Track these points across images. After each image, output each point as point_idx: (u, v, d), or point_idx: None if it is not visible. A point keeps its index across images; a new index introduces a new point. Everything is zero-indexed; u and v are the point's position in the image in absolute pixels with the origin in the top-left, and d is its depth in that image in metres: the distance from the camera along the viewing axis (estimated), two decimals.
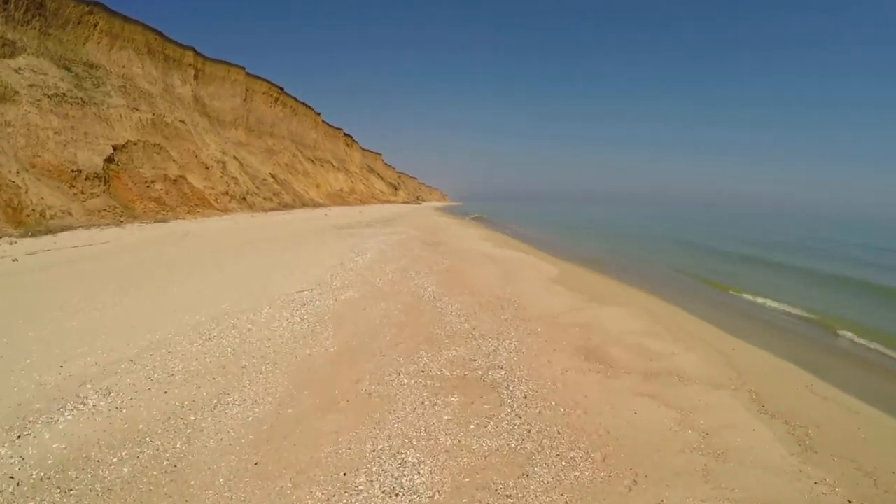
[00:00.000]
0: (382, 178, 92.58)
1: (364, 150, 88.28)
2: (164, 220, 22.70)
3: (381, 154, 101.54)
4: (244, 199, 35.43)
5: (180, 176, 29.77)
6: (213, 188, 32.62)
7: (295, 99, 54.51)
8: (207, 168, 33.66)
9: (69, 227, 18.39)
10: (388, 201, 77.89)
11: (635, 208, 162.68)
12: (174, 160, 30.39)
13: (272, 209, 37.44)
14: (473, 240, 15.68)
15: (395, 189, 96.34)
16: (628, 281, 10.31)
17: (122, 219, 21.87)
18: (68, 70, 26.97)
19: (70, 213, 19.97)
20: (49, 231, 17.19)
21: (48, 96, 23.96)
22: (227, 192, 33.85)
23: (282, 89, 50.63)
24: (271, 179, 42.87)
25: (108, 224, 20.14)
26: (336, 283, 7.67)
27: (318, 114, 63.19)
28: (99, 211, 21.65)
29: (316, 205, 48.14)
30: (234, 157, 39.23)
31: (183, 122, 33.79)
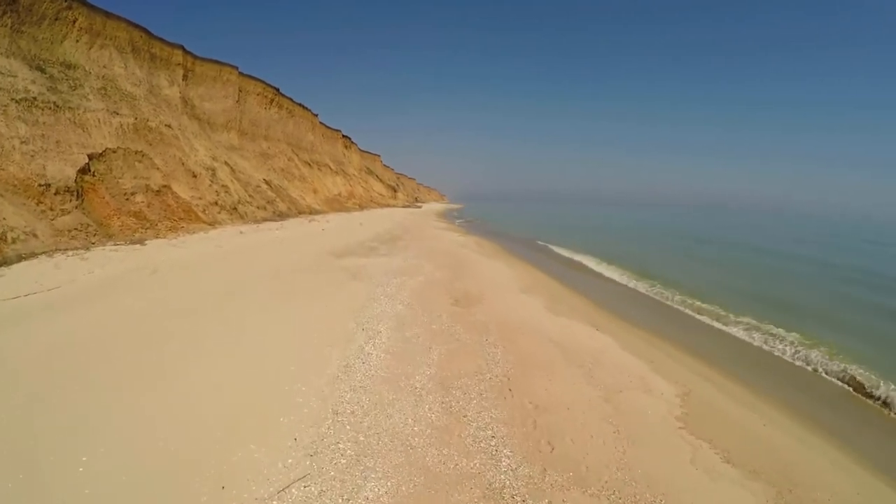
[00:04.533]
0: (381, 180, 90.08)
1: (362, 151, 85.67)
2: (140, 241, 20.38)
3: (379, 155, 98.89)
4: (235, 209, 33.05)
5: (164, 186, 27.41)
6: (200, 198, 30.25)
7: (291, 100, 51.92)
8: (195, 176, 31.26)
9: (30, 255, 16.06)
10: (386, 205, 75.38)
11: (632, 210, 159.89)
12: (158, 169, 28.01)
13: (265, 219, 35.07)
14: (514, 291, 12.17)
15: (394, 191, 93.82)
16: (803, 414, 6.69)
17: (94, 240, 19.55)
18: (42, 71, 24.56)
19: (35, 235, 17.67)
20: (3, 262, 14.94)
21: (16, 101, 21.60)
22: (216, 203, 31.49)
23: (277, 90, 48.08)
24: (265, 186, 40.46)
25: (76, 248, 17.82)
26: (344, 443, 4.68)
27: (316, 115, 60.61)
28: (69, 231, 19.35)
29: (313, 212, 45.75)
30: (226, 163, 36.82)
31: (169, 126, 31.35)
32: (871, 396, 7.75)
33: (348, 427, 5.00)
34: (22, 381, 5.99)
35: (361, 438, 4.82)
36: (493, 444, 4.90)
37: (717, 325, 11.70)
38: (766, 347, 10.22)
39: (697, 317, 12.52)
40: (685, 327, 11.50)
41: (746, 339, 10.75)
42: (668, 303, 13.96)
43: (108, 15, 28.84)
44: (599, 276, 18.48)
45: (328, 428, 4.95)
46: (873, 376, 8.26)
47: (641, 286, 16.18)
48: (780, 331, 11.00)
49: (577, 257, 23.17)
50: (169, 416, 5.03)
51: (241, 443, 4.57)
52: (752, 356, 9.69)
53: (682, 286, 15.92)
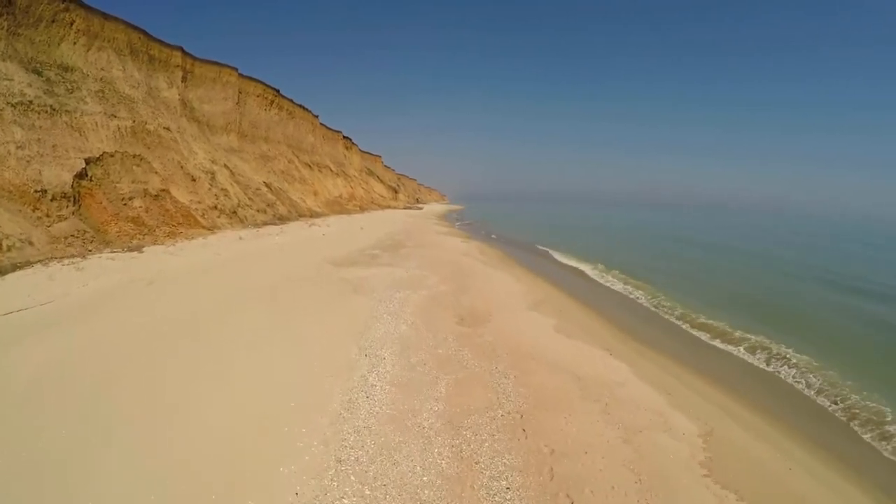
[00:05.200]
0: (382, 181, 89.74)
1: (363, 152, 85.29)
2: (138, 249, 20.05)
3: (380, 156, 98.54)
4: (234, 213, 32.71)
5: (163, 190, 27.09)
6: (199, 202, 29.92)
7: (292, 101, 51.55)
8: (194, 180, 30.93)
9: (26, 263, 15.75)
10: (387, 206, 75.03)
11: (632, 211, 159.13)
12: (156, 172, 27.69)
13: (265, 223, 34.74)
14: (521, 308, 11.70)
15: (395, 192, 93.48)
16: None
17: (90, 247, 19.25)
18: (38, 74, 24.24)
19: (31, 243, 17.36)
20: None
21: (12, 105, 21.28)
22: (215, 207, 31.15)
23: (277, 91, 47.72)
24: (265, 189, 40.11)
25: (72, 256, 17.52)
26: (349, 498, 4.32)
27: (317, 116, 60.24)
28: (65, 238, 19.05)
29: (313, 214, 45.42)
30: (225, 166, 36.49)
31: (167, 129, 31.00)
32: (876, 433, 7.35)
33: (353, 478, 4.65)
34: (10, 411, 5.68)
35: (367, 492, 4.47)
36: (508, 497, 4.56)
37: (728, 347, 11.21)
38: (770, 369, 9.85)
39: (704, 338, 11.91)
40: (695, 348, 11.09)
41: (755, 363, 10.32)
42: (675, 320, 13.47)
43: (105, 16, 28.49)
44: (604, 287, 18.09)
45: (331, 479, 4.61)
46: (888, 409, 7.90)
47: (647, 299, 15.80)
48: (790, 351, 10.68)
49: (580, 265, 22.83)
50: (159, 468, 4.66)
51: (239, 500, 4.24)
52: (765, 382, 9.32)
53: (688, 299, 15.67)
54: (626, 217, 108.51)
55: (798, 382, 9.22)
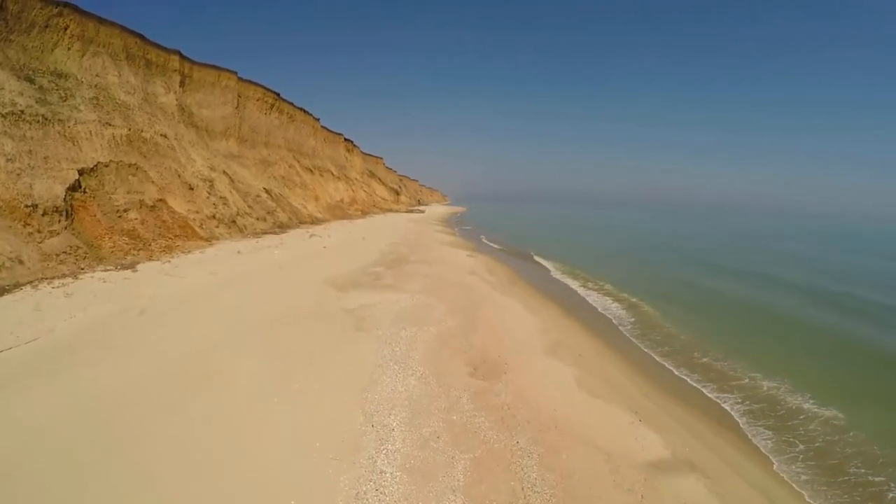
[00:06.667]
0: (384, 184, 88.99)
1: (365, 154, 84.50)
2: (132, 266, 19.31)
3: (382, 158, 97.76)
4: (234, 221, 31.98)
5: (159, 200, 26.36)
6: (197, 212, 29.19)
7: (292, 104, 50.76)
8: (192, 188, 30.19)
9: (14, 286, 15.04)
10: (389, 210, 74.29)
11: (632, 212, 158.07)
12: (153, 182, 26.95)
13: (265, 231, 34.02)
14: (538, 353, 10.76)
15: (397, 194, 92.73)
16: None
17: (83, 265, 18.56)
18: (31, 82, 23.51)
19: (21, 261, 16.66)
20: None
21: (2, 115, 20.58)
22: (214, 216, 30.41)
23: (278, 94, 46.92)
24: (265, 195, 39.35)
25: (63, 276, 16.83)
26: None
27: (318, 119, 59.46)
28: (57, 254, 18.35)
29: (314, 221, 44.69)
30: (224, 173, 35.72)
31: (164, 136, 30.22)
32: None
33: None
34: None
35: None
36: None
37: (737, 396, 10.28)
38: (788, 426, 9.00)
39: (724, 393, 10.53)
40: (719, 404, 10.11)
41: (773, 419, 9.34)
42: (691, 365, 12.02)
43: (100, 21, 27.70)
44: (614, 315, 16.74)
45: None
46: None
47: (659, 331, 14.77)
48: (811, 403, 9.93)
49: (588, 287, 21.93)
50: None
51: None
52: (791, 442, 8.50)
53: (701, 330, 15.03)
54: (627, 219, 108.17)
55: (835, 445, 8.44)
